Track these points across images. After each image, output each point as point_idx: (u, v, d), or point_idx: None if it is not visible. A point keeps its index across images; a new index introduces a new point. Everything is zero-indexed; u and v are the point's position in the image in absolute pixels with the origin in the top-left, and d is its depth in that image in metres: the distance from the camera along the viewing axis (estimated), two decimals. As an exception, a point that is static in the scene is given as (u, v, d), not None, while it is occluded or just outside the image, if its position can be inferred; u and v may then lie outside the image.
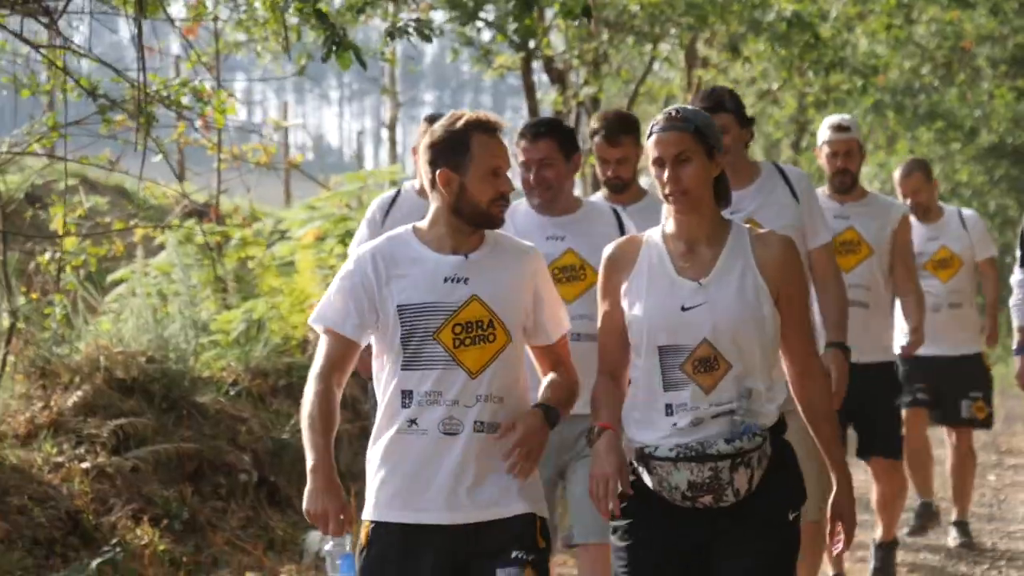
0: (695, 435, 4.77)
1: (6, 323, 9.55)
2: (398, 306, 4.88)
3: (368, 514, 4.98)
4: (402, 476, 4.91)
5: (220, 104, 9.08)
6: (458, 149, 4.89)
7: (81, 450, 9.09)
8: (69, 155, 9.53)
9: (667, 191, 4.82)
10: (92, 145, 9.67)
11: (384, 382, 4.96)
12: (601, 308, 5.03)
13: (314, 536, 9.53)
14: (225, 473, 9.74)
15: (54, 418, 9.24)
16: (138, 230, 11.78)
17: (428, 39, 7.76)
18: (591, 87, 15.74)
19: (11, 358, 9.52)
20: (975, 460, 10.65)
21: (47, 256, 10.26)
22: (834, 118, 8.58)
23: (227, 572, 8.85)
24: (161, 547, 8.65)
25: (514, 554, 4.89)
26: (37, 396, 9.44)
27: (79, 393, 9.40)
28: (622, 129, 7.01)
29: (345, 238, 12.12)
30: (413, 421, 4.87)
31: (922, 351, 9.11)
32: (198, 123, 9.90)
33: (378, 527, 4.93)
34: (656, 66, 19.70)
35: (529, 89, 15.82)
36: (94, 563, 8.15)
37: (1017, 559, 10.10)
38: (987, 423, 10.33)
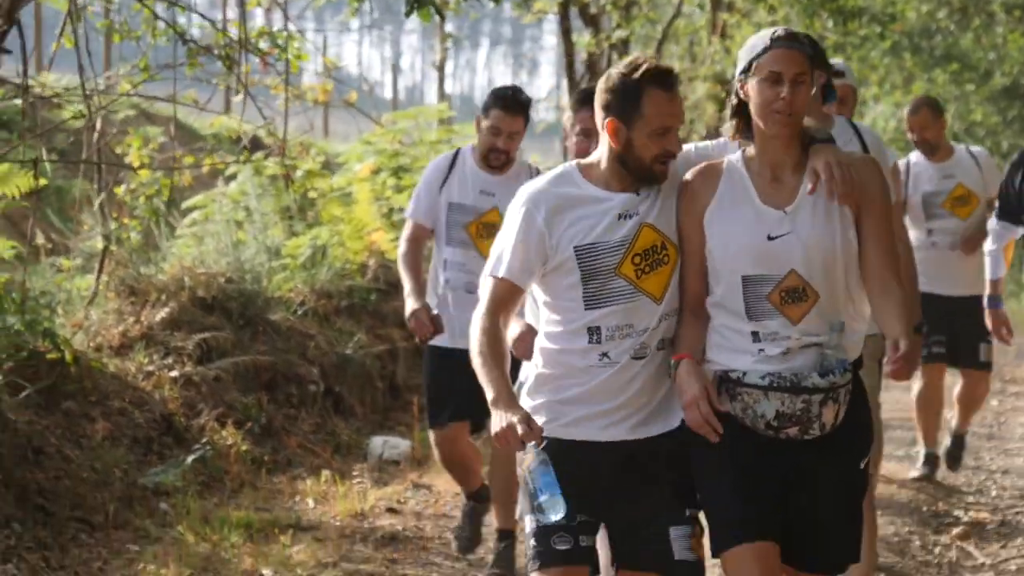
0: (784, 364, 4.71)
1: (100, 246, 10.54)
2: (575, 248, 4.84)
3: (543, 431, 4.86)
4: (589, 401, 4.91)
5: (296, 51, 10.03)
6: (630, 101, 4.78)
7: (169, 360, 10.12)
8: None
9: (778, 108, 4.67)
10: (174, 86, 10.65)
11: (561, 319, 4.93)
12: (685, 243, 4.89)
13: (376, 441, 10.57)
14: (296, 383, 10.79)
15: (144, 332, 10.27)
16: (207, 162, 12.66)
17: (497, 2, 8.68)
18: (623, 30, 16.63)
19: (104, 278, 10.50)
20: (986, 396, 10.86)
21: (123, 187, 11.24)
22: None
23: (302, 471, 9.90)
24: (243, 447, 9.70)
25: (688, 512, 4.94)
26: (128, 312, 10.45)
27: (166, 309, 10.42)
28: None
29: (398, 172, 13.14)
30: (604, 354, 4.87)
31: (940, 291, 9.51)
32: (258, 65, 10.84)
33: (552, 442, 4.85)
34: (683, 8, 20.54)
35: (566, 33, 16.76)
36: (189, 459, 9.21)
37: (1011, 472, 11.04)
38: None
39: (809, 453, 4.79)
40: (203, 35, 10.06)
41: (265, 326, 10.90)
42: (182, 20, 10.85)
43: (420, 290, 7.53)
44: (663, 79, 4.78)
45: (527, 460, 4.82)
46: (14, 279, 9.36)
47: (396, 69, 34.03)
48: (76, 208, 10.97)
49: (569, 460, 4.85)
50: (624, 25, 16.40)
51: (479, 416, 7.43)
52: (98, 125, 10.01)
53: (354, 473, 9.97)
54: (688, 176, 4.89)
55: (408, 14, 8.29)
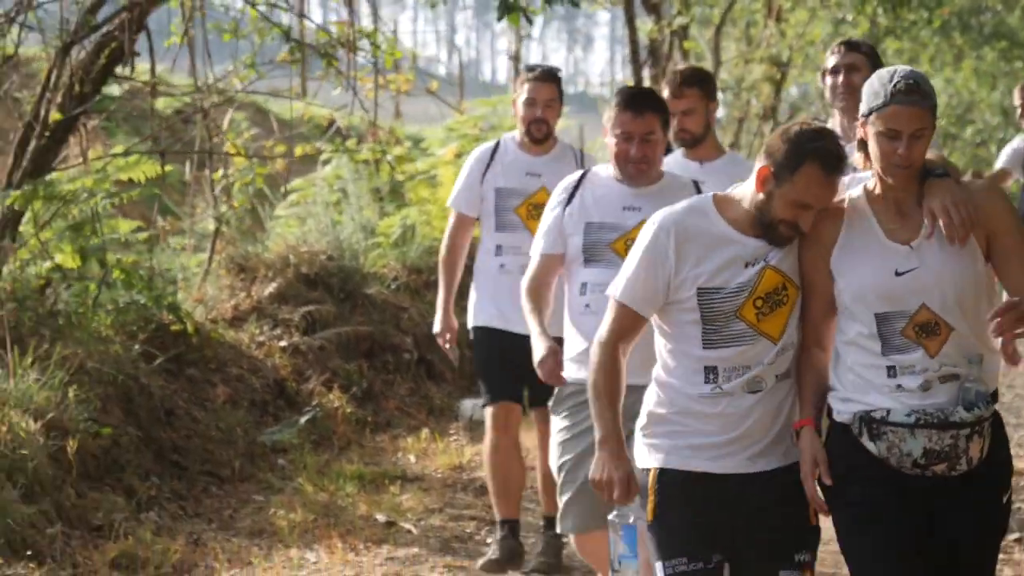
0: (927, 400, 4.62)
1: (212, 228, 11.54)
2: (698, 288, 4.83)
3: (657, 462, 4.94)
4: (699, 431, 4.88)
5: (390, 47, 11.00)
6: (791, 163, 4.75)
7: (278, 331, 11.13)
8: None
9: (896, 163, 4.62)
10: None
11: (676, 351, 4.92)
12: (808, 281, 4.86)
13: (467, 403, 11.53)
14: (392, 352, 11.79)
15: (255, 305, 11.28)
16: (298, 150, 13.56)
17: (576, 5, 9.60)
18: (683, 17, 17.51)
19: (216, 256, 11.50)
20: None
21: (220, 172, 12.20)
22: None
23: (401, 430, 10.89)
24: (348, 410, 10.70)
25: (797, 558, 4.90)
26: (239, 287, 11.46)
27: (274, 285, 11.43)
28: (686, 82, 7.08)
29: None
30: (719, 388, 4.85)
31: None
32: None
33: (667, 474, 4.92)
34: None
35: (630, 21, 17.67)
36: (302, 420, 10.22)
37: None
38: None
39: (953, 490, 4.67)
40: (308, 34, 10.96)
41: (363, 299, 11.88)
42: (286, 20, 11.76)
43: (451, 295, 7.98)
44: (828, 160, 4.74)
45: (615, 520, 4.93)
46: (140, 259, 10.37)
47: (452, 46, 34.57)
48: (190, 193, 11.96)
49: (684, 493, 4.90)
50: (684, 12, 17.26)
51: (533, 395, 7.86)
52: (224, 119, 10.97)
53: (450, 431, 10.96)
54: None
55: (500, 19, 9.19)
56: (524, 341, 6.41)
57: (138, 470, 8.87)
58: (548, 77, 7.85)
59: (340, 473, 9.48)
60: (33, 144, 9.47)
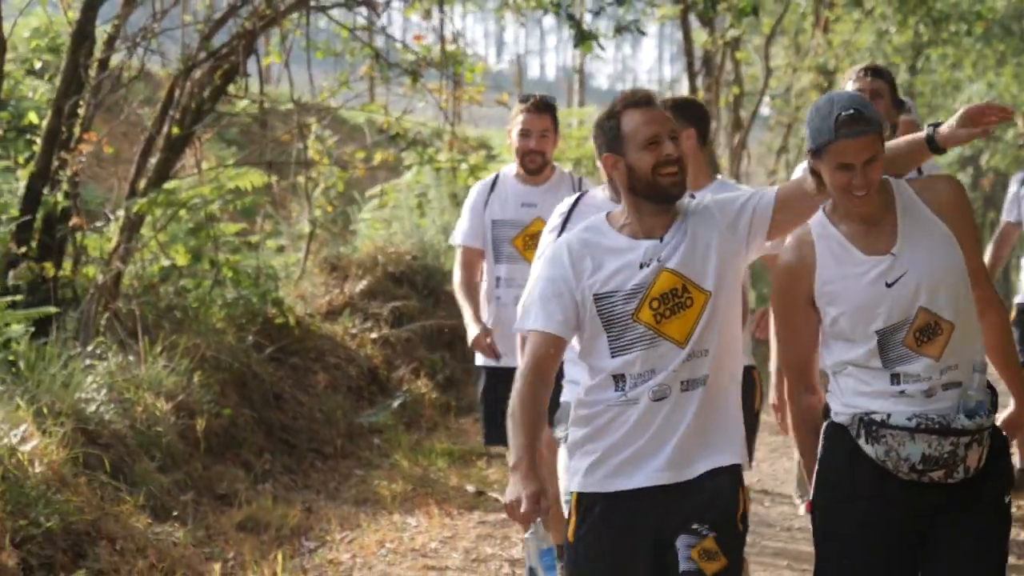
0: (929, 405, 4.53)
1: (307, 229, 12.63)
2: (594, 295, 4.75)
3: (575, 486, 4.85)
4: (612, 448, 4.76)
5: (471, 67, 12.06)
6: (613, 131, 4.78)
7: (369, 324, 12.25)
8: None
9: (854, 191, 4.52)
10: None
11: (589, 367, 4.83)
12: (787, 325, 4.84)
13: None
14: (471, 343, 12.88)
15: (347, 301, 12.40)
16: (378, 155, 14.63)
17: (643, 33, 10.63)
18: (735, 29, 18.50)
19: (311, 256, 12.60)
20: None
21: (304, 176, 13.27)
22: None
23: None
24: (433, 395, 11.80)
25: (696, 526, 4.69)
26: (332, 284, 12.58)
27: (364, 282, 12.56)
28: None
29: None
30: (626, 398, 4.73)
31: None
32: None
33: (586, 498, 4.81)
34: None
35: (686, 34, 18.73)
36: (395, 404, 11.32)
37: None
38: None
39: (948, 497, 4.61)
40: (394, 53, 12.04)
41: (444, 296, 12.98)
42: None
43: (478, 316, 7.65)
44: (635, 100, 4.79)
45: (529, 540, 4.89)
46: (244, 259, 11.47)
47: (522, 58, 35.51)
48: (285, 198, 13.08)
49: (602, 517, 4.78)
50: (736, 25, 18.21)
51: None
52: (314, 128, 12.06)
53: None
54: (783, 257, 4.78)
55: (576, 46, 10.21)
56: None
57: (253, 447, 9.98)
58: (542, 108, 7.67)
59: (431, 450, 10.59)
60: (157, 156, 10.53)
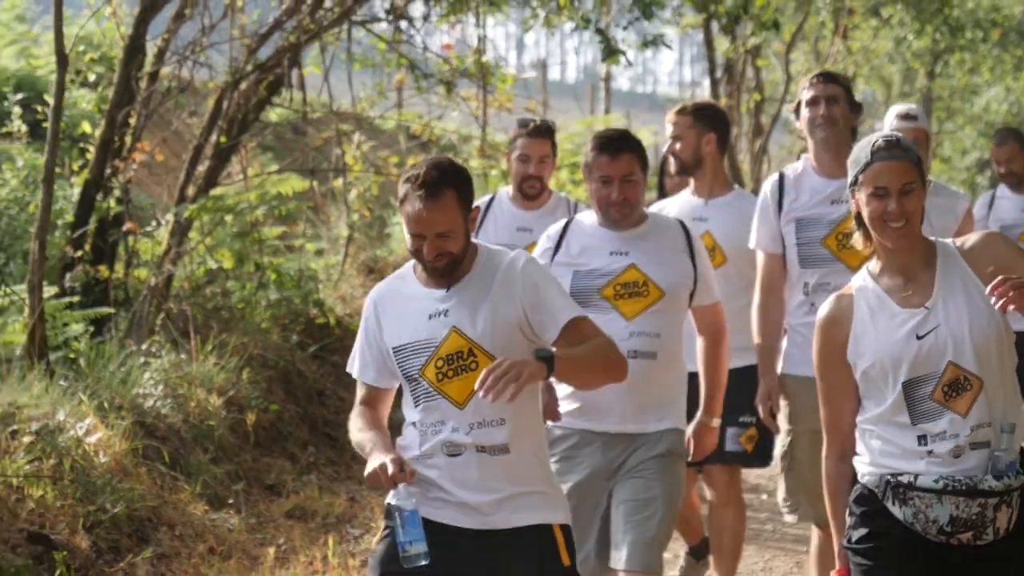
0: (956, 466, 4.49)
1: (344, 233, 13.15)
2: (392, 348, 4.80)
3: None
4: (430, 493, 4.77)
5: (503, 77, 12.57)
6: (401, 205, 4.76)
7: (407, 325, 12.72)
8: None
9: (888, 219, 4.55)
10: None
11: (404, 411, 4.90)
12: (826, 382, 4.76)
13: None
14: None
15: (385, 302, 12.87)
16: (411, 161, 15.11)
17: (669, 47, 11.13)
18: (756, 38, 18.96)
19: (348, 259, 13.11)
20: None
21: (341, 182, 13.79)
22: (900, 107, 7.70)
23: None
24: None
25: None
26: (369, 286, 13.03)
27: (401, 284, 13.03)
28: (680, 111, 7.32)
29: (573, 169, 15.64)
30: (424, 451, 4.76)
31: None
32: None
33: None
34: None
35: (709, 43, 19.23)
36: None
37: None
38: None
39: (980, 560, 4.56)
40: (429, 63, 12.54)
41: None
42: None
43: None
44: (416, 185, 4.69)
45: (398, 502, 4.63)
46: (285, 261, 12.00)
47: (543, 65, 35.91)
48: (323, 203, 13.60)
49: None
50: (757, 33, 18.68)
51: None
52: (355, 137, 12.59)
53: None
54: (821, 311, 4.79)
55: (604, 60, 10.69)
56: None
57: (298, 440, 10.50)
58: (542, 133, 7.69)
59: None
60: (205, 164, 11.06)
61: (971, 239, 4.66)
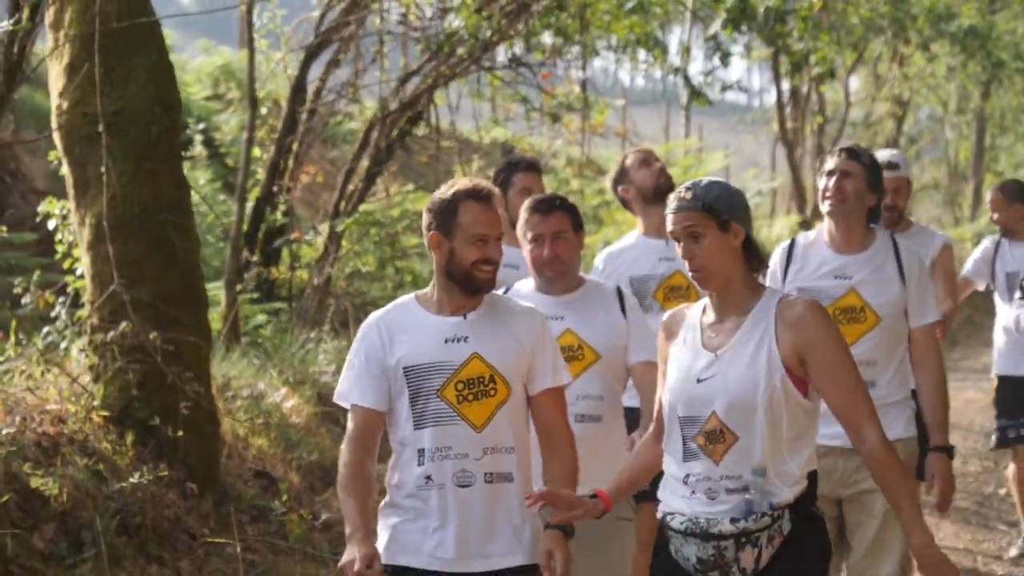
0: (710, 508, 4.58)
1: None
2: (404, 368, 4.84)
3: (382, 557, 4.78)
4: (421, 527, 4.85)
5: (600, 109, 14.78)
6: (448, 215, 4.85)
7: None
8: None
9: (691, 269, 4.66)
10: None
11: (398, 440, 4.93)
12: (660, 373, 4.87)
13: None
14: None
15: (498, 300, 15.03)
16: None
17: (745, 90, 13.15)
18: (820, 67, 20.98)
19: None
20: None
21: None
22: (883, 155, 7.80)
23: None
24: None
25: None
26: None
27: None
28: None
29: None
30: (428, 477, 4.82)
31: (1018, 373, 9.49)
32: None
33: (391, 570, 4.84)
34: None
35: (776, 74, 21.28)
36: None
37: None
38: None
39: None
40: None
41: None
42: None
43: None
44: (477, 193, 4.86)
45: None
46: (420, 264, 14.21)
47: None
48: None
49: None
50: (822, 65, 20.65)
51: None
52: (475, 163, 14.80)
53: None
54: (664, 317, 4.93)
55: (689, 103, 12.71)
56: None
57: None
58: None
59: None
60: (355, 184, 13.33)
61: (796, 305, 4.66)
